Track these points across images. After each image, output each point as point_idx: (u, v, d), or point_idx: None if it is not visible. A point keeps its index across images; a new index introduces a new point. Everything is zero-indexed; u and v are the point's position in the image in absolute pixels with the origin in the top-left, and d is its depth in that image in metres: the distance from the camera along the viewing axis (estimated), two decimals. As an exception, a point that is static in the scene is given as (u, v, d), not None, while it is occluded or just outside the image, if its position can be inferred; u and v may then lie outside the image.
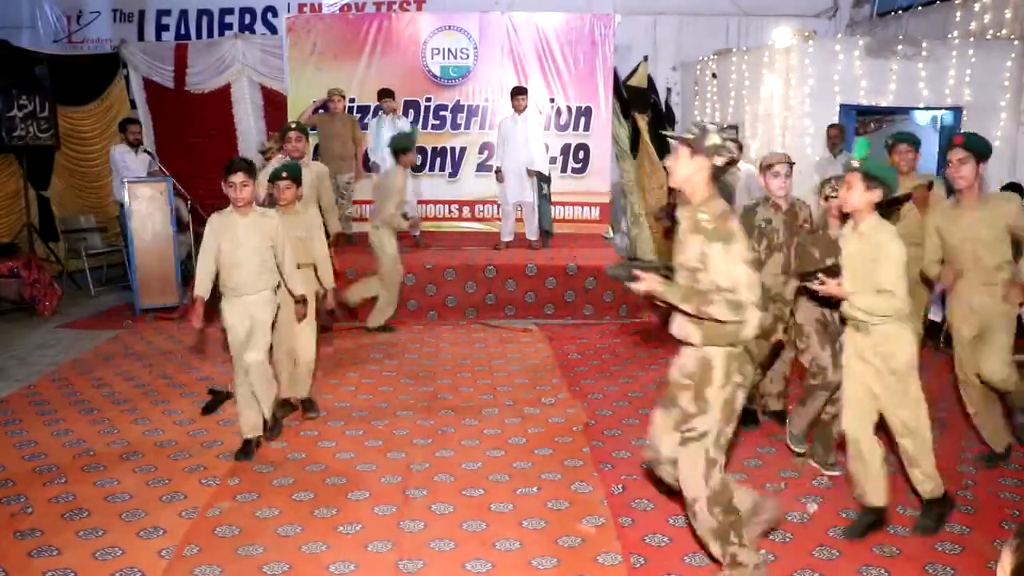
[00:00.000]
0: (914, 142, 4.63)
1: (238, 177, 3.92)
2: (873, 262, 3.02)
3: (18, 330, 6.93)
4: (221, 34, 10.56)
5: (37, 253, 8.36)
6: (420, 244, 7.95)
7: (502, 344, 6.42)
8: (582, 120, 9.03)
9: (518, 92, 8.01)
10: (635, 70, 9.65)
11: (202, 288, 4.01)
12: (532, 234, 8.22)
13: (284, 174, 4.53)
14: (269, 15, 10.63)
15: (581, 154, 9.06)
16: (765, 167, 4.27)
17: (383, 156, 8.17)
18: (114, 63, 10.08)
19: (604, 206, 9.10)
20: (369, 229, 6.67)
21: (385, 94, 8.22)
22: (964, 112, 7.54)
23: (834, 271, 3.17)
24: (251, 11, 10.66)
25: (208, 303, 4.03)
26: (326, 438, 4.42)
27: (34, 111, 8.61)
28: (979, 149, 3.60)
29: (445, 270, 7.25)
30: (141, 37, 10.65)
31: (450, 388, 5.30)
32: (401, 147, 6.36)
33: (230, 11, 10.67)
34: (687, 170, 2.75)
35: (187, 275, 7.72)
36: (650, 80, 9.72)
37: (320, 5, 10.25)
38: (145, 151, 8.13)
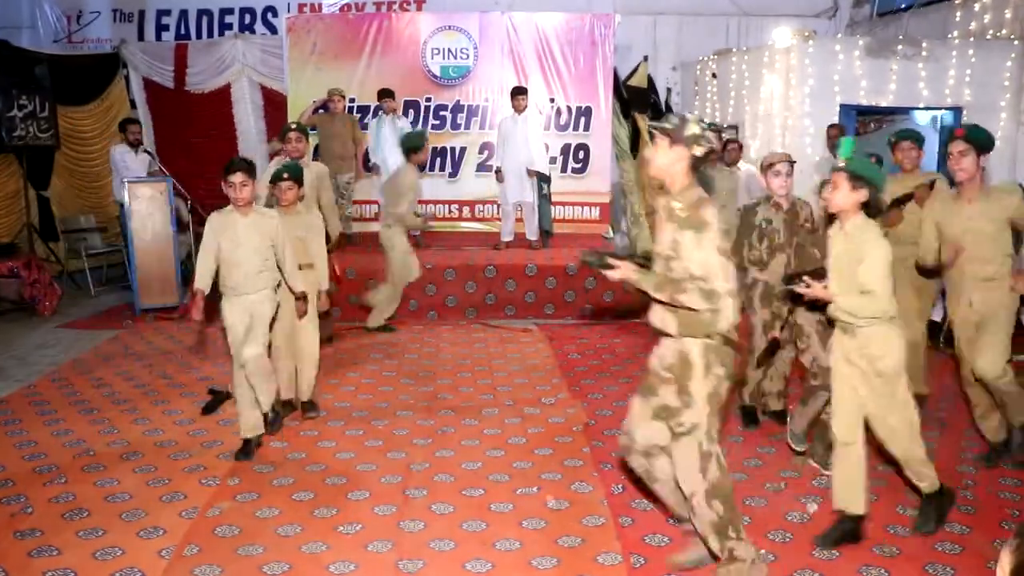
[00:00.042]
0: (918, 139, 4.58)
1: (237, 177, 3.93)
2: (859, 263, 2.99)
3: (18, 330, 6.93)
4: (221, 34, 10.56)
5: (37, 253, 8.37)
6: (420, 244, 7.94)
7: (502, 344, 6.42)
8: (582, 120, 9.03)
9: (518, 92, 8.01)
10: (635, 70, 9.66)
11: (202, 282, 4.01)
12: (532, 234, 8.23)
13: (285, 175, 4.54)
14: (269, 15, 10.63)
15: (581, 154, 9.06)
16: (766, 166, 4.27)
17: (383, 157, 8.19)
18: (114, 63, 10.08)
19: (604, 206, 9.10)
20: (380, 228, 6.69)
21: (385, 94, 8.22)
22: (964, 112, 7.54)
23: (819, 274, 3.12)
24: (251, 11, 10.66)
25: (208, 301, 4.03)
26: (326, 438, 4.42)
27: (34, 111, 8.61)
28: (980, 141, 3.56)
29: (445, 270, 7.25)
30: (141, 37, 10.65)
31: (450, 388, 5.30)
32: (412, 145, 6.39)
33: (230, 11, 10.68)
34: (666, 160, 2.77)
35: (187, 275, 7.72)
36: (650, 80, 9.73)
37: (320, 5, 10.25)
38: (145, 151, 8.13)
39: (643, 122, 9.27)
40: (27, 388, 5.30)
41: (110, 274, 9.06)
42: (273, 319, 4.21)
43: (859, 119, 8.44)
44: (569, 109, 9.01)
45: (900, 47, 7.59)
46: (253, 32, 10.53)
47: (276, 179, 4.57)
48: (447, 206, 9.08)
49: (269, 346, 4.26)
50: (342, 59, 8.95)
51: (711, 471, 2.78)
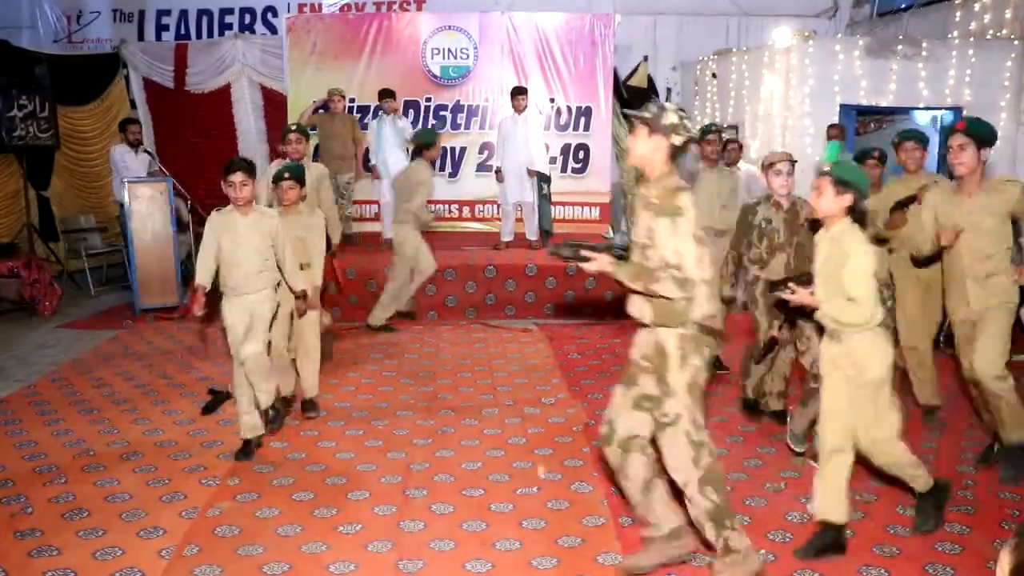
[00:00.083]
0: (921, 139, 4.52)
1: (237, 177, 3.93)
2: (843, 268, 2.94)
3: (18, 330, 6.93)
4: (221, 34, 10.57)
5: (37, 253, 8.37)
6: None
7: (502, 344, 6.42)
8: (582, 120, 9.03)
9: (518, 92, 8.01)
10: (635, 70, 9.67)
11: (202, 279, 4.01)
12: (532, 234, 8.23)
13: (287, 174, 4.55)
14: (269, 15, 10.63)
15: (581, 154, 9.06)
16: (767, 166, 4.28)
17: (383, 158, 8.19)
18: (114, 63, 10.08)
19: (604, 206, 9.10)
20: (393, 225, 6.72)
21: (386, 94, 8.22)
22: (964, 112, 7.54)
23: (805, 280, 3.08)
24: (251, 11, 10.67)
25: (209, 298, 4.03)
26: (326, 438, 4.42)
27: (34, 111, 8.61)
28: (980, 135, 3.49)
29: (445, 270, 7.25)
30: (141, 37, 10.66)
31: (450, 388, 5.30)
32: (425, 142, 6.45)
33: (230, 11, 10.68)
34: (644, 149, 2.77)
35: (187, 275, 7.72)
36: (650, 80, 9.74)
37: (320, 5, 10.25)
38: (145, 151, 8.13)
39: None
40: (27, 388, 5.30)
41: (110, 274, 9.07)
42: (273, 318, 4.22)
43: (859, 119, 8.44)
44: (569, 109, 9.01)
45: (900, 47, 7.59)
46: (253, 32, 10.53)
47: (278, 179, 4.58)
48: (447, 206, 9.08)
49: (269, 345, 4.27)
50: (342, 59, 8.95)
51: (703, 459, 2.78)
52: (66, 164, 9.55)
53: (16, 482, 3.80)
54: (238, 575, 3.03)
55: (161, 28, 10.74)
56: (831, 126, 7.15)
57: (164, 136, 10.06)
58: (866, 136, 9.00)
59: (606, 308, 7.21)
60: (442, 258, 7.48)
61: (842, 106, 7.59)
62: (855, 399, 3.03)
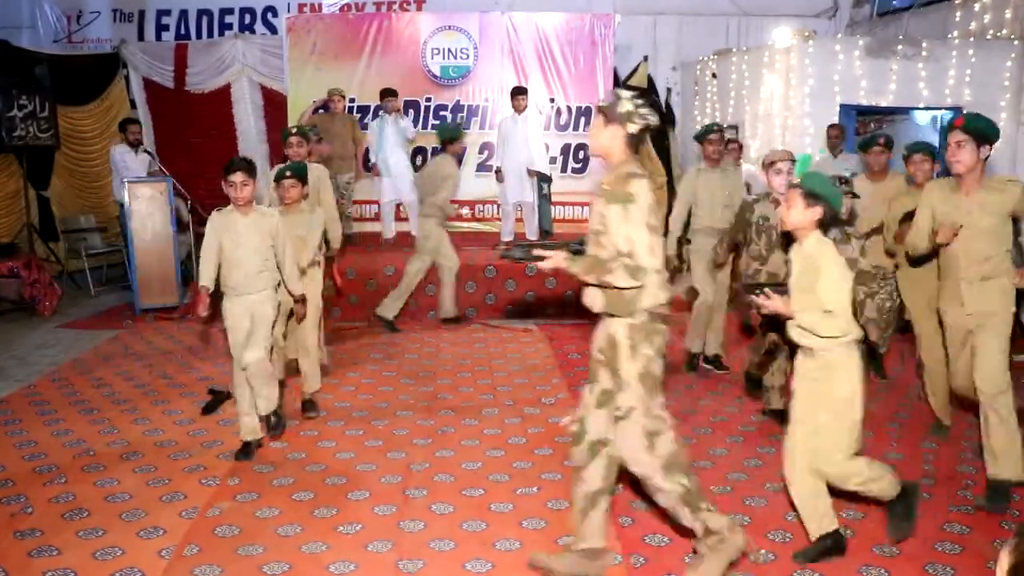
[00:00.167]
0: (931, 152, 4.42)
1: (238, 176, 3.92)
2: (817, 281, 2.88)
3: (18, 330, 6.93)
4: (221, 34, 10.56)
5: (37, 253, 8.37)
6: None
7: (502, 344, 6.42)
8: (582, 120, 9.03)
9: (518, 92, 8.02)
10: (635, 70, 9.66)
11: (205, 280, 4.00)
12: (532, 234, 8.23)
13: (288, 173, 4.56)
14: (269, 15, 10.63)
15: (581, 154, 9.06)
16: (768, 164, 4.28)
17: (385, 157, 8.19)
18: (114, 63, 10.08)
19: (604, 206, 9.08)
20: (418, 219, 6.77)
21: (388, 93, 8.21)
22: (964, 112, 7.54)
23: (782, 289, 3.01)
24: (251, 11, 10.66)
25: (210, 299, 4.03)
26: (326, 438, 4.42)
27: (34, 111, 8.61)
28: (978, 131, 3.35)
29: (445, 270, 7.25)
30: (141, 37, 10.65)
31: (450, 388, 5.30)
32: (449, 137, 6.54)
33: (230, 11, 10.68)
34: (602, 137, 2.77)
35: (187, 275, 7.73)
36: (650, 80, 9.73)
37: (320, 5, 10.25)
38: (145, 151, 8.14)
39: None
40: (27, 388, 5.30)
41: (110, 274, 9.07)
42: (275, 321, 4.21)
43: (859, 119, 8.44)
44: (569, 109, 9.02)
45: (900, 47, 7.59)
46: (253, 32, 10.53)
47: (279, 177, 4.60)
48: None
49: (271, 350, 4.26)
50: (342, 59, 8.95)
51: (660, 446, 2.75)
52: (66, 164, 9.55)
53: (16, 482, 3.80)
54: (238, 575, 3.03)
55: (161, 28, 10.73)
56: (831, 126, 7.15)
57: (164, 136, 10.06)
58: (866, 136, 9.00)
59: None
60: (442, 258, 7.50)
61: (842, 106, 7.59)
62: (825, 412, 2.96)
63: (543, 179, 8.15)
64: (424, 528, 3.39)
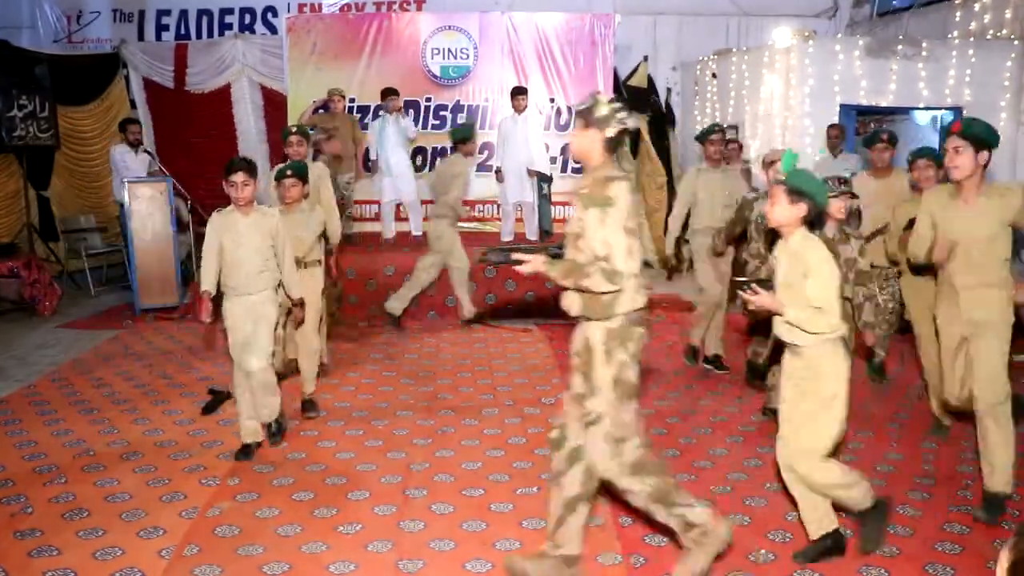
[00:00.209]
0: (935, 157, 4.35)
1: (239, 176, 3.92)
2: (804, 277, 2.86)
3: (18, 330, 6.93)
4: (221, 34, 10.57)
5: (37, 253, 8.37)
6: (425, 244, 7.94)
7: (502, 344, 6.42)
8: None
9: (518, 92, 8.02)
10: (635, 70, 9.66)
11: (207, 283, 4.00)
12: (532, 234, 8.23)
13: (289, 172, 4.57)
14: (269, 15, 10.63)
15: (581, 154, 9.05)
16: (768, 163, 4.29)
17: (386, 157, 8.19)
18: (114, 63, 10.08)
19: (604, 206, 9.08)
20: (431, 220, 6.77)
21: (389, 93, 8.20)
22: (964, 112, 7.54)
23: (770, 285, 3.00)
24: (251, 11, 10.67)
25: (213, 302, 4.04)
26: (326, 438, 4.42)
27: (34, 111, 8.61)
28: (976, 137, 3.26)
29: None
30: (141, 37, 10.65)
31: (450, 388, 5.30)
32: (461, 137, 6.55)
33: (230, 11, 10.68)
34: (581, 141, 2.78)
35: (187, 275, 7.73)
36: (650, 80, 9.73)
37: (320, 5, 10.25)
38: (145, 151, 8.14)
39: (643, 123, 9.28)
40: (27, 388, 5.30)
41: (110, 274, 9.07)
42: (276, 322, 4.21)
43: (859, 119, 8.44)
44: (569, 109, 9.01)
45: (900, 47, 7.59)
46: (253, 32, 10.53)
47: (280, 177, 4.60)
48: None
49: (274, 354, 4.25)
50: (342, 59, 8.95)
51: (626, 453, 2.74)
52: (66, 164, 9.55)
53: (16, 482, 3.80)
54: (238, 575, 3.03)
55: (161, 28, 10.74)
56: (831, 126, 7.15)
57: (164, 136, 10.06)
58: (866, 136, 9.00)
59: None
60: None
61: (842, 106, 7.60)
62: (803, 409, 2.96)
63: (543, 179, 8.16)
64: (424, 528, 3.39)
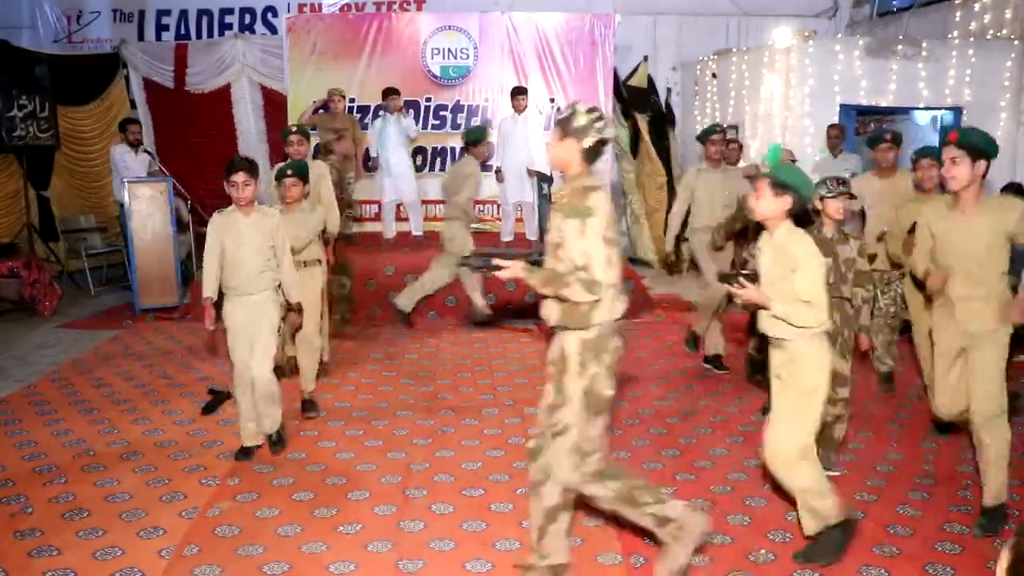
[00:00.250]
0: (939, 157, 4.16)
1: (240, 176, 3.92)
2: (791, 272, 2.84)
3: (18, 330, 6.93)
4: (221, 34, 10.56)
5: (37, 253, 8.37)
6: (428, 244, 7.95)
7: (502, 344, 6.42)
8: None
9: (518, 92, 8.02)
10: (635, 70, 9.66)
11: (209, 289, 4.00)
12: (532, 234, 8.22)
13: (289, 172, 4.57)
14: (269, 15, 10.63)
15: (581, 154, 9.04)
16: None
17: (387, 156, 8.19)
18: (114, 63, 10.08)
19: (604, 206, 9.08)
20: (444, 221, 6.77)
21: (391, 92, 8.20)
22: (964, 112, 7.55)
23: (755, 277, 2.98)
24: (251, 11, 10.67)
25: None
26: (326, 438, 4.42)
27: (34, 111, 8.61)
28: (973, 146, 3.15)
29: (445, 270, 7.24)
30: (141, 37, 10.65)
31: (450, 388, 5.30)
32: (473, 139, 6.55)
33: (230, 11, 10.68)
34: (559, 151, 2.78)
35: (187, 275, 7.73)
36: (650, 80, 9.73)
37: (320, 5, 10.25)
38: (145, 151, 8.14)
39: (643, 122, 9.28)
40: (27, 388, 5.30)
41: (110, 274, 9.07)
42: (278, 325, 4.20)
43: (859, 119, 8.44)
44: (569, 109, 9.00)
45: (900, 47, 7.59)
46: (253, 32, 10.53)
47: (280, 176, 4.61)
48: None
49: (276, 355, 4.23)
50: (342, 59, 8.94)
51: (589, 465, 2.73)
52: (66, 164, 9.55)
53: (16, 482, 3.80)
54: (238, 575, 3.03)
55: (161, 28, 10.74)
56: (831, 126, 7.16)
57: (164, 136, 10.06)
58: (866, 136, 8.99)
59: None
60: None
61: (842, 106, 7.60)
62: (785, 401, 2.96)
63: (543, 179, 8.12)
64: (424, 528, 3.39)
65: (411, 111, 8.85)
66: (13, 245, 8.12)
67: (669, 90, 10.37)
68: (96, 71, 9.97)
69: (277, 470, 3.98)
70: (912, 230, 3.96)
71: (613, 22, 8.92)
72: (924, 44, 7.58)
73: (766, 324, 2.98)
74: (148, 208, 7.31)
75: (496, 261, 2.76)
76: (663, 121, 9.62)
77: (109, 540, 3.26)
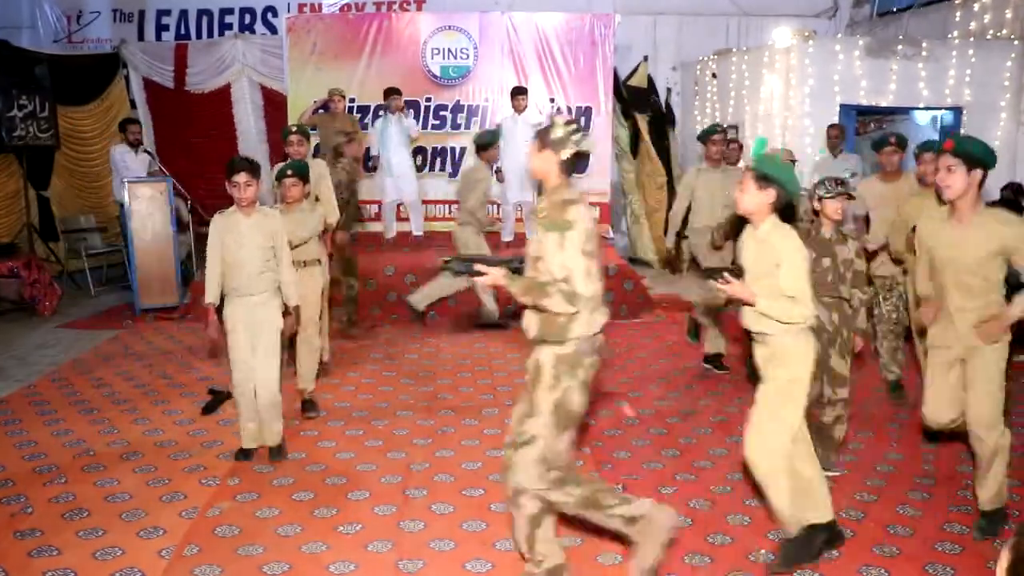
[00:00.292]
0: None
1: (242, 177, 3.91)
2: (775, 267, 2.81)
3: (18, 330, 6.93)
4: (221, 34, 10.57)
5: (37, 253, 8.37)
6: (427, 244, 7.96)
7: (502, 344, 6.41)
8: (582, 120, 9.02)
9: (518, 92, 8.02)
10: (635, 70, 9.67)
11: (212, 295, 3.99)
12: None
13: (289, 172, 4.58)
14: (269, 15, 10.63)
15: (581, 154, 9.05)
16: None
17: (388, 156, 8.20)
18: (114, 63, 10.08)
19: (604, 206, 9.10)
20: (455, 228, 6.78)
21: (392, 92, 8.20)
22: (964, 112, 7.54)
23: (739, 272, 2.95)
24: (251, 11, 10.66)
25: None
26: (326, 438, 4.42)
27: (34, 111, 8.61)
28: (969, 155, 3.07)
29: (445, 270, 7.23)
30: (141, 37, 10.65)
31: (450, 388, 5.30)
32: (484, 143, 6.55)
33: (230, 11, 10.68)
34: (537, 162, 2.80)
35: (187, 275, 7.73)
36: (650, 80, 9.73)
37: (320, 5, 10.25)
38: (145, 151, 8.13)
39: (643, 122, 9.28)
40: (27, 388, 5.30)
41: (110, 274, 9.07)
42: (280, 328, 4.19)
43: (859, 119, 8.44)
44: (569, 109, 9.01)
45: (900, 47, 7.59)
46: (253, 32, 10.53)
47: (281, 176, 4.61)
48: (447, 206, 9.08)
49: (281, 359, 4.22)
50: (342, 59, 8.95)
51: (550, 475, 2.73)
52: (66, 164, 9.55)
53: (16, 482, 3.80)
54: (238, 575, 3.03)
55: (161, 28, 10.73)
56: (831, 126, 7.16)
57: (164, 136, 10.06)
58: (866, 136, 9.00)
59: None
60: (442, 258, 7.48)
61: (842, 106, 7.60)
62: (765, 397, 2.94)
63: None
64: (424, 528, 3.39)
65: (411, 111, 8.86)
66: (13, 245, 8.12)
67: (669, 90, 10.37)
68: (96, 71, 9.97)
69: (277, 470, 3.98)
70: (915, 231, 3.96)
71: (613, 22, 8.93)
72: (924, 44, 7.58)
73: (749, 319, 2.95)
74: (148, 208, 7.31)
75: (477, 267, 2.77)
76: (663, 121, 9.62)
77: (109, 540, 3.26)
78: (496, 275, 2.73)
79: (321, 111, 8.33)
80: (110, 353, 6.16)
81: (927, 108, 7.86)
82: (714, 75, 9.36)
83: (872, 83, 7.56)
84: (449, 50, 8.97)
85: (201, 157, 9.55)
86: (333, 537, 3.31)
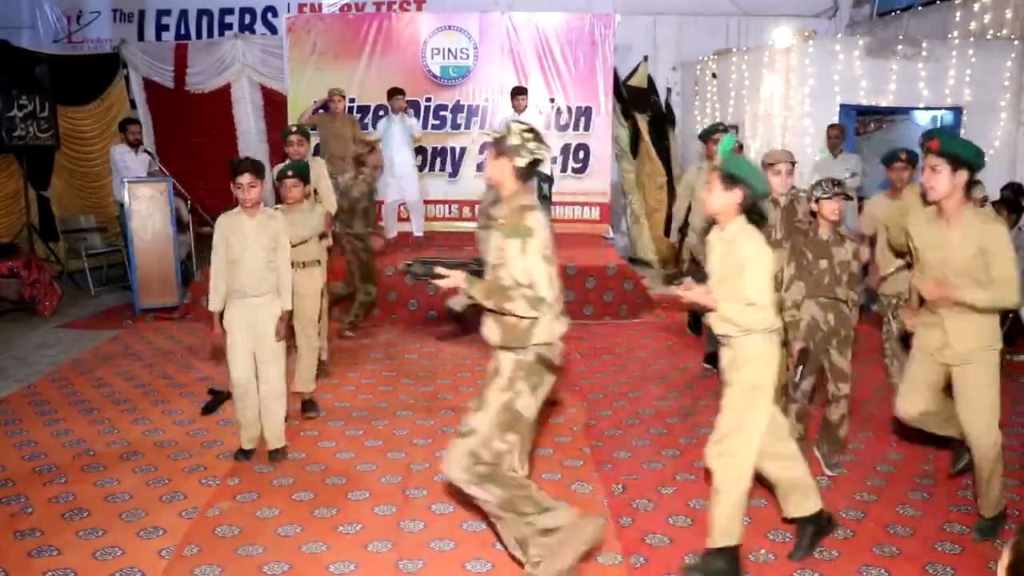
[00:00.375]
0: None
1: (245, 178, 3.90)
2: (740, 270, 2.77)
3: (18, 330, 6.93)
4: (221, 34, 10.57)
5: (37, 253, 8.37)
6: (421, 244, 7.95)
7: (502, 344, 6.41)
8: (582, 120, 9.04)
9: (518, 92, 8.02)
10: (635, 70, 9.67)
11: (218, 300, 3.99)
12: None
13: (290, 172, 4.58)
14: (269, 15, 10.63)
15: (581, 154, 9.07)
16: (767, 164, 4.27)
17: (391, 156, 8.19)
18: (114, 63, 10.08)
19: (604, 206, 9.11)
20: (476, 228, 6.82)
21: (395, 92, 8.19)
22: (964, 112, 7.54)
23: (702, 277, 2.93)
24: (251, 11, 10.67)
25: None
26: (326, 438, 4.42)
27: (34, 111, 8.61)
28: (954, 156, 3.00)
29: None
30: (141, 37, 10.66)
31: (450, 388, 5.30)
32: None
33: (230, 11, 10.68)
34: (494, 169, 2.81)
35: (187, 275, 7.73)
36: (650, 80, 9.74)
37: (320, 5, 10.25)
38: (145, 151, 8.13)
39: (643, 123, 9.28)
40: (27, 388, 5.30)
41: (110, 274, 9.06)
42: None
43: (859, 119, 8.44)
44: (569, 109, 9.02)
45: (900, 47, 7.59)
46: (253, 32, 10.53)
47: (281, 177, 4.61)
48: (447, 206, 9.09)
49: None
50: (342, 59, 8.95)
51: (479, 470, 2.73)
52: (66, 164, 9.55)
53: (16, 482, 3.80)
54: (238, 575, 3.03)
55: (161, 28, 10.74)
56: (831, 126, 7.15)
57: (164, 136, 10.06)
58: (866, 136, 9.00)
59: (605, 308, 7.22)
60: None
61: (842, 106, 7.59)
62: (729, 398, 2.90)
63: (543, 179, 8.14)
64: (424, 528, 3.39)
65: (411, 111, 8.86)
66: (13, 245, 8.12)
67: (669, 90, 10.37)
68: (96, 71, 9.97)
69: (277, 470, 3.98)
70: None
71: (613, 22, 8.94)
72: (924, 44, 7.58)
73: (712, 322, 2.93)
74: (148, 208, 7.31)
75: (438, 270, 2.78)
76: (663, 121, 9.62)
77: (109, 540, 3.26)
78: (456, 278, 2.75)
79: (321, 111, 8.33)
80: (110, 353, 6.16)
81: (927, 108, 7.85)
82: (714, 75, 9.36)
83: (872, 83, 7.56)
84: (449, 50, 8.97)
85: (201, 157, 9.55)
86: (333, 537, 3.31)
